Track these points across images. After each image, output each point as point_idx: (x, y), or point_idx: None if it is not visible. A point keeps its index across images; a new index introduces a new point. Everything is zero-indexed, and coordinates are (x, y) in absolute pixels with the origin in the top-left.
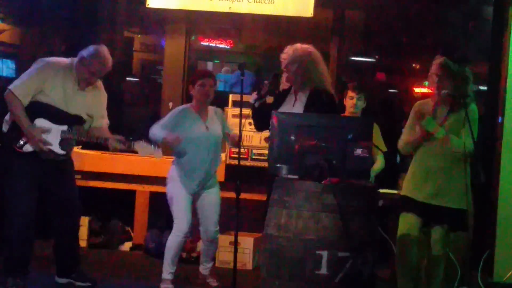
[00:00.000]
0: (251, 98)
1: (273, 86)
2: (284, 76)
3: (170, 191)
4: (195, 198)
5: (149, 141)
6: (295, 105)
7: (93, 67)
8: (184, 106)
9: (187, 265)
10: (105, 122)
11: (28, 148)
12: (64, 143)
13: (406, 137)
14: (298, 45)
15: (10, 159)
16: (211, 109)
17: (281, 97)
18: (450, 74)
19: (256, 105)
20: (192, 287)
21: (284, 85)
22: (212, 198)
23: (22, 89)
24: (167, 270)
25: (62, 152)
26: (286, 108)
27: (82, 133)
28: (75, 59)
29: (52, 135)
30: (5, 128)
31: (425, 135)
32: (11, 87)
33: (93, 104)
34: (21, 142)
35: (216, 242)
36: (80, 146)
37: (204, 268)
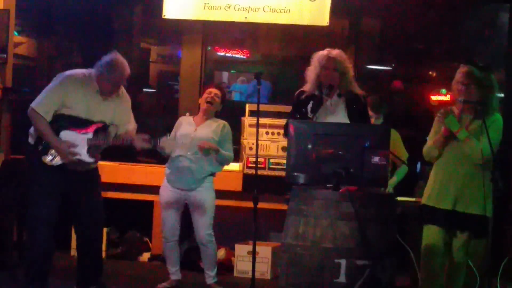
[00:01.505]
0: (309, 111)
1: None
2: (311, 79)
3: (159, 196)
4: (188, 202)
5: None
6: (333, 110)
7: (114, 79)
8: (184, 116)
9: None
10: (132, 127)
11: (57, 161)
12: (92, 150)
13: (430, 142)
14: (336, 51)
15: (34, 170)
16: (216, 121)
17: (305, 102)
18: (477, 82)
19: (315, 118)
20: None
21: (309, 87)
22: (201, 200)
23: (44, 106)
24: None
25: (91, 160)
26: (324, 113)
27: (108, 138)
28: (93, 70)
29: (80, 144)
30: (31, 140)
31: (447, 134)
32: (33, 104)
33: (118, 112)
34: (50, 157)
35: (211, 247)
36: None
37: (208, 277)
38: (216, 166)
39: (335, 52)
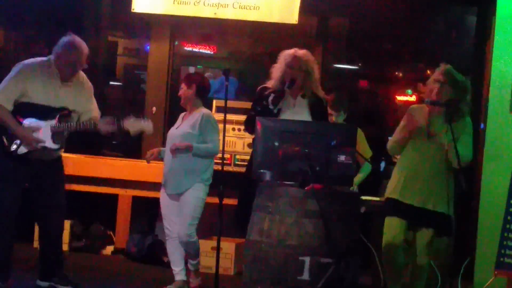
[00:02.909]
0: (270, 103)
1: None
2: (276, 76)
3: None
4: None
5: (137, 116)
6: (296, 110)
7: (71, 58)
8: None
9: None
10: (95, 114)
11: (22, 150)
12: (56, 137)
13: (395, 136)
14: (302, 51)
15: (2, 162)
16: (199, 113)
17: (273, 98)
18: (453, 81)
19: (276, 111)
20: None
21: (273, 84)
22: (185, 201)
23: (4, 95)
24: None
25: (55, 146)
26: (287, 113)
27: (71, 124)
28: (51, 55)
29: (43, 131)
30: None
31: (412, 131)
32: None
33: (79, 99)
34: (15, 146)
35: (188, 245)
36: (63, 150)
37: (189, 265)
38: (205, 168)
39: (302, 52)
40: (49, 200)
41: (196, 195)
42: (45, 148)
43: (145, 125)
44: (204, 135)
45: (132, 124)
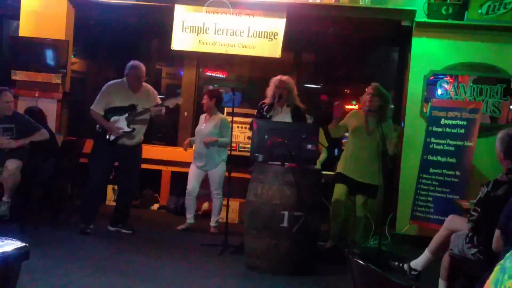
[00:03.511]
0: (265, 111)
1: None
2: (270, 95)
3: (190, 167)
4: (207, 173)
5: (172, 96)
6: (283, 115)
7: (135, 73)
8: (203, 114)
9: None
10: (163, 110)
11: (111, 137)
12: (129, 123)
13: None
14: (285, 77)
15: (100, 147)
16: (217, 117)
17: (266, 108)
18: (379, 94)
19: (268, 116)
20: (198, 233)
21: (268, 100)
22: (213, 173)
23: (98, 106)
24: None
25: (129, 129)
26: (277, 117)
27: (136, 114)
28: (124, 78)
29: (121, 122)
30: (97, 128)
31: (336, 120)
32: (92, 107)
33: (147, 100)
34: (108, 135)
35: (217, 201)
36: (142, 138)
37: (211, 221)
38: (223, 152)
39: (285, 77)
40: (127, 176)
41: (221, 169)
42: (125, 132)
43: (178, 99)
44: (222, 132)
45: (170, 102)
